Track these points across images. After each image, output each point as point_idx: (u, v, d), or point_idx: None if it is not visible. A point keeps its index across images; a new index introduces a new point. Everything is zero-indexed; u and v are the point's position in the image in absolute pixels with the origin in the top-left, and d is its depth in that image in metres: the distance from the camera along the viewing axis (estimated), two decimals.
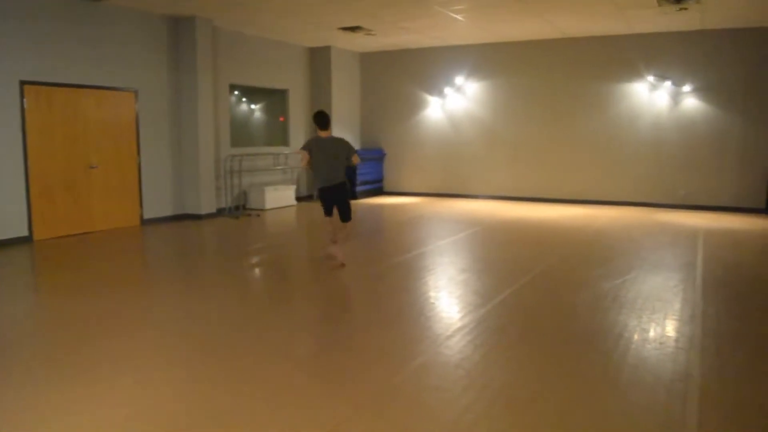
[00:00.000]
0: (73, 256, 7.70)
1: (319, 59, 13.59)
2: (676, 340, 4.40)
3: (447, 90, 13.59)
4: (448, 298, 5.72)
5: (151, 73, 9.93)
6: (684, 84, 11.45)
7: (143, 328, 4.82)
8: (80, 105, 8.90)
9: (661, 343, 4.34)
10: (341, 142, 6.91)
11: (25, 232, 8.26)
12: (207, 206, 10.65)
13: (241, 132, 12.57)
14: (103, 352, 4.21)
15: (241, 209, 11.57)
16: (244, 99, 13.51)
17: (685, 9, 9.35)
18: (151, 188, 10.04)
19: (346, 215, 6.99)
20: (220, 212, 11.09)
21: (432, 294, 5.87)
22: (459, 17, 10.19)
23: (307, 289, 6.38)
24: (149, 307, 5.47)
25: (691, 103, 11.47)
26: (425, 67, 13.78)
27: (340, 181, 6.90)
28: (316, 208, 12.25)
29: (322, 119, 6.91)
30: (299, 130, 13.47)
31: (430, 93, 13.81)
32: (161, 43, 10.06)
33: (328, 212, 7.10)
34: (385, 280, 6.54)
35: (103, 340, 4.45)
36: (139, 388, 3.61)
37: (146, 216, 9.98)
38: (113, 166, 9.42)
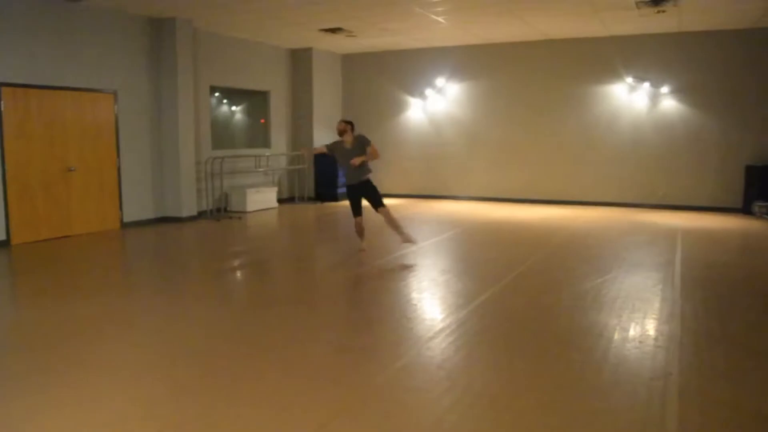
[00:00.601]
0: (52, 260, 7.62)
1: (300, 61, 13.57)
2: (656, 339, 4.45)
3: (428, 91, 13.63)
4: (429, 300, 5.73)
5: (131, 74, 9.84)
6: (662, 85, 11.59)
7: (126, 332, 4.78)
8: (58, 107, 8.80)
9: (640, 342, 4.39)
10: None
11: (2, 236, 8.14)
12: (188, 209, 10.59)
13: (222, 134, 12.52)
14: (87, 356, 4.18)
15: (222, 212, 11.52)
16: (225, 101, 13.45)
17: (663, 11, 9.46)
18: (131, 191, 9.96)
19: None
20: (201, 215, 11.02)
21: (414, 296, 5.88)
22: (440, 19, 10.23)
23: (290, 292, 6.37)
24: (132, 312, 5.43)
25: (670, 104, 11.61)
26: (406, 68, 13.81)
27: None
28: (298, 209, 12.25)
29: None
30: (281, 132, 13.44)
31: (412, 94, 13.84)
32: (141, 45, 9.98)
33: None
34: (367, 283, 6.54)
35: (87, 345, 4.42)
36: (121, 392, 3.58)
37: (126, 219, 9.89)
38: (92, 169, 9.33)
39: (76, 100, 9.03)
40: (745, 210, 11.03)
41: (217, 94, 12.63)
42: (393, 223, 7.74)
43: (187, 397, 3.54)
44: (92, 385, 3.70)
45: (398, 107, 14.01)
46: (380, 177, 14.26)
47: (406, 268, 7.10)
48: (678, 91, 11.51)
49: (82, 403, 3.45)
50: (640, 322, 4.88)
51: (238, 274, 7.13)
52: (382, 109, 14.17)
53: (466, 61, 13.20)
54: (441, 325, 4.82)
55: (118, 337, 4.65)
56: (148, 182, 10.29)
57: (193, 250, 8.75)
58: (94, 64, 9.23)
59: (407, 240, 7.83)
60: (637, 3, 8.99)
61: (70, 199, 9.03)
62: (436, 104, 13.62)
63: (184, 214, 10.50)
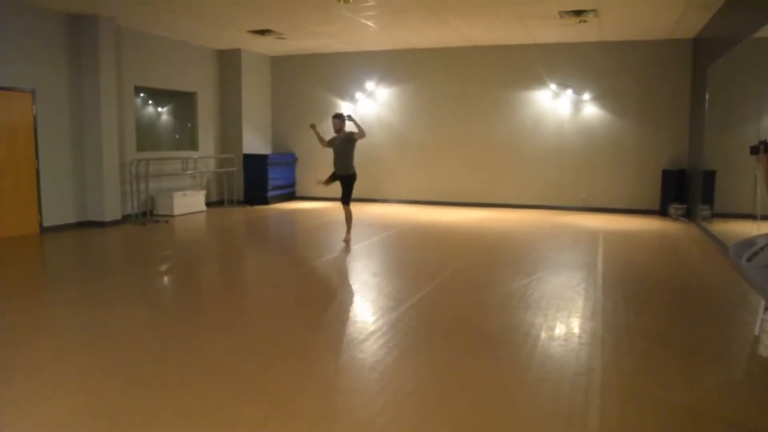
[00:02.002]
0: None
1: (228, 62, 13.38)
2: (579, 336, 4.61)
3: (358, 95, 13.68)
4: (361, 302, 5.76)
5: (51, 73, 9.46)
6: (584, 92, 12.02)
7: (46, 343, 4.58)
8: None
9: (565, 340, 4.54)
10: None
11: None
12: (112, 213, 10.26)
13: (147, 135, 12.18)
14: (4, 367, 4.00)
15: (148, 216, 11.21)
16: (150, 101, 13.09)
17: (585, 21, 9.82)
18: (51, 194, 9.56)
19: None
20: (126, 219, 10.70)
21: (345, 298, 5.89)
22: (369, 23, 10.29)
23: (217, 297, 6.27)
24: (52, 321, 5.21)
25: (591, 110, 12.06)
26: (337, 71, 13.82)
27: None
28: (227, 213, 12.06)
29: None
30: (208, 134, 13.21)
31: (342, 98, 13.86)
32: (61, 43, 9.61)
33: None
34: (297, 286, 6.51)
35: (3, 356, 4.22)
36: (44, 403, 3.45)
37: (46, 223, 9.50)
38: (8, 171, 8.90)
39: None
40: (662, 212, 11.57)
41: (142, 95, 12.29)
42: (348, 222, 8.67)
43: (107, 403, 3.44)
44: (12, 397, 3.55)
45: (329, 110, 13.93)
46: (310, 180, 14.23)
47: (337, 270, 7.11)
48: (599, 98, 11.97)
49: (1, 414, 3.31)
50: (564, 320, 5.04)
51: (165, 280, 6.96)
52: (313, 111, 14.09)
53: (395, 65, 13.32)
54: (373, 327, 4.84)
55: (38, 347, 4.46)
56: (70, 185, 9.91)
57: (117, 256, 8.48)
58: (10, 61, 8.82)
59: (347, 240, 8.63)
60: (559, 12, 9.30)
61: None
62: (366, 108, 13.68)
63: (108, 218, 10.17)
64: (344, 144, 8.52)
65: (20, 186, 9.10)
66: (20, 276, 6.96)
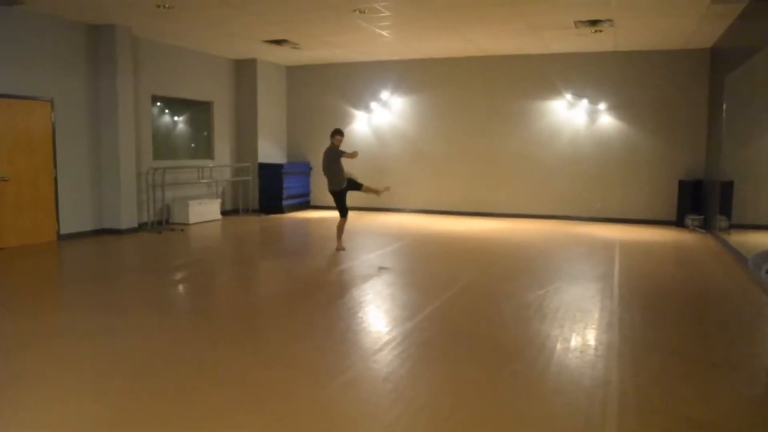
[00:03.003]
0: None
1: (244, 72, 13.47)
2: (596, 348, 4.57)
3: (373, 105, 13.71)
4: (375, 313, 5.74)
5: (69, 82, 9.58)
6: (599, 102, 11.96)
7: (60, 349, 4.61)
8: None
9: (581, 352, 4.50)
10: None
11: None
12: (128, 221, 10.33)
13: (164, 144, 12.29)
14: (20, 372, 4.02)
15: (164, 224, 11.28)
16: (166, 110, 13.20)
17: (600, 31, 9.80)
18: (68, 202, 9.65)
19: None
20: (142, 227, 10.76)
21: (359, 308, 5.88)
22: (384, 33, 10.32)
23: (231, 305, 6.28)
24: (66, 328, 5.24)
25: (607, 120, 11.99)
26: (351, 81, 13.87)
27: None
28: (242, 222, 12.10)
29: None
30: (224, 143, 13.28)
31: (357, 107, 13.89)
32: (79, 52, 9.73)
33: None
34: (312, 295, 6.51)
35: (19, 361, 4.25)
36: (55, 409, 3.47)
37: (63, 231, 9.58)
38: (27, 179, 9.00)
39: (10, 107, 8.72)
40: (679, 223, 11.46)
41: (159, 104, 12.40)
42: (340, 231, 8.88)
43: (121, 412, 3.45)
44: (25, 401, 3.57)
45: (343, 119, 14.01)
46: (325, 190, 14.22)
47: (351, 280, 7.10)
48: (615, 108, 11.91)
49: (13, 419, 3.32)
50: (580, 332, 5.00)
51: (179, 288, 6.99)
52: (328, 121, 14.13)
53: (409, 75, 13.34)
54: (387, 338, 4.83)
55: (52, 353, 4.49)
56: (87, 193, 10.00)
57: (133, 264, 8.52)
58: (30, 71, 8.94)
59: (343, 248, 8.82)
60: (575, 22, 9.28)
61: (2, 210, 8.68)
62: (380, 117, 13.70)
63: (124, 226, 10.24)
64: (340, 160, 8.73)
65: (38, 193, 9.19)
66: (37, 282, 7.02)
